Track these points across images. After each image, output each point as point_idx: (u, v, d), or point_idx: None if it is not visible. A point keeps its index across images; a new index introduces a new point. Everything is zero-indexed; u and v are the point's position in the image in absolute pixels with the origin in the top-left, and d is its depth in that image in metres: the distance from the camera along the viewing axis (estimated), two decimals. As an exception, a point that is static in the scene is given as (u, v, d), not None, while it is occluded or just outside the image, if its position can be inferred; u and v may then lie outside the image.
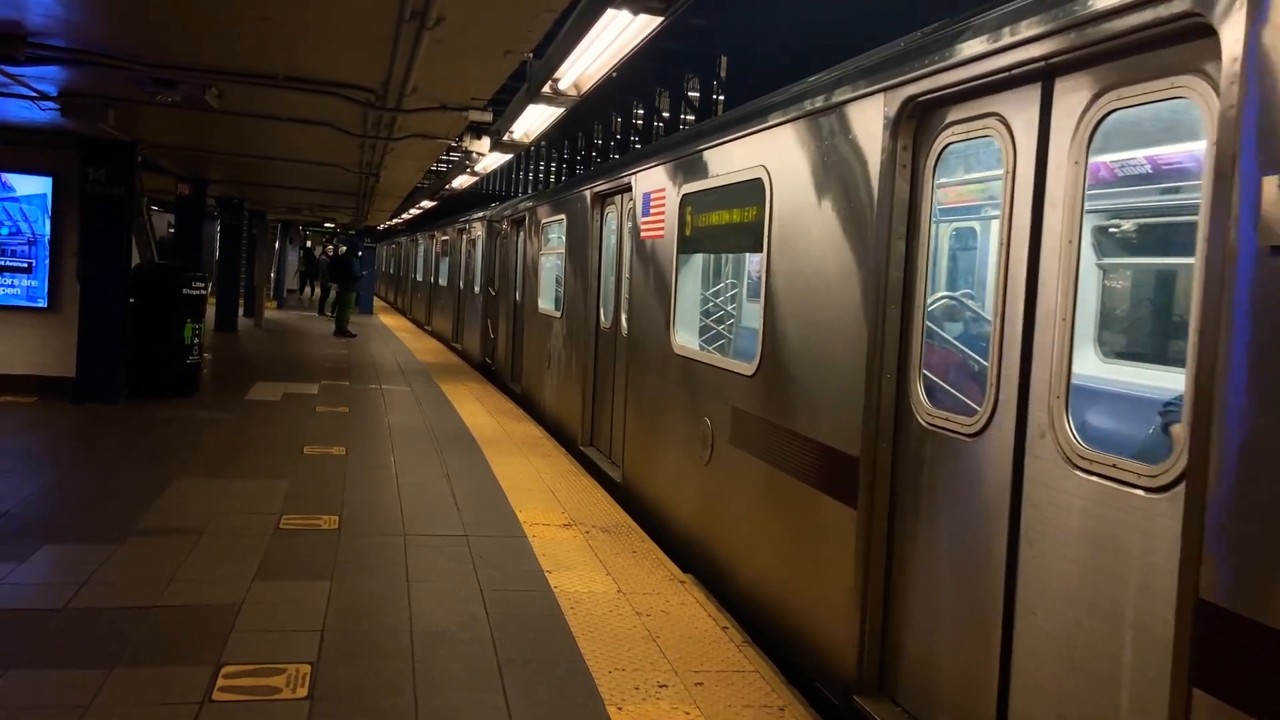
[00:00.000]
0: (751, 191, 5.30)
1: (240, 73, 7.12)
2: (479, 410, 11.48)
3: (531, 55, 6.85)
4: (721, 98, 22.18)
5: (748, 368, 5.24)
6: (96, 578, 4.98)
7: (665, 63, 22.79)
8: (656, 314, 6.93)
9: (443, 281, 22.26)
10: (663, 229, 6.83)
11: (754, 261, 9.69)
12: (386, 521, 6.39)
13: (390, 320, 28.26)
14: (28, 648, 4.14)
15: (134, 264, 11.07)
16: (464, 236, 18.84)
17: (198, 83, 7.27)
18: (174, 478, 7.18)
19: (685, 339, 6.54)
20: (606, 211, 9.03)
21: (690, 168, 6.37)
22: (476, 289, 16.79)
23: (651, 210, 7.10)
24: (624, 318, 8.17)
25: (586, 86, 7.08)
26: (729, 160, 5.71)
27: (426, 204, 25.97)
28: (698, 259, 6.84)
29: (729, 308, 8.81)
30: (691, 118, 23.79)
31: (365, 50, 6.24)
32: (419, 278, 28.39)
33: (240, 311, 21.17)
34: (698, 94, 24.03)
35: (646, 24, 5.31)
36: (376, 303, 33.92)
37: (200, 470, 7.56)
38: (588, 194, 9.32)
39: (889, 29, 4.77)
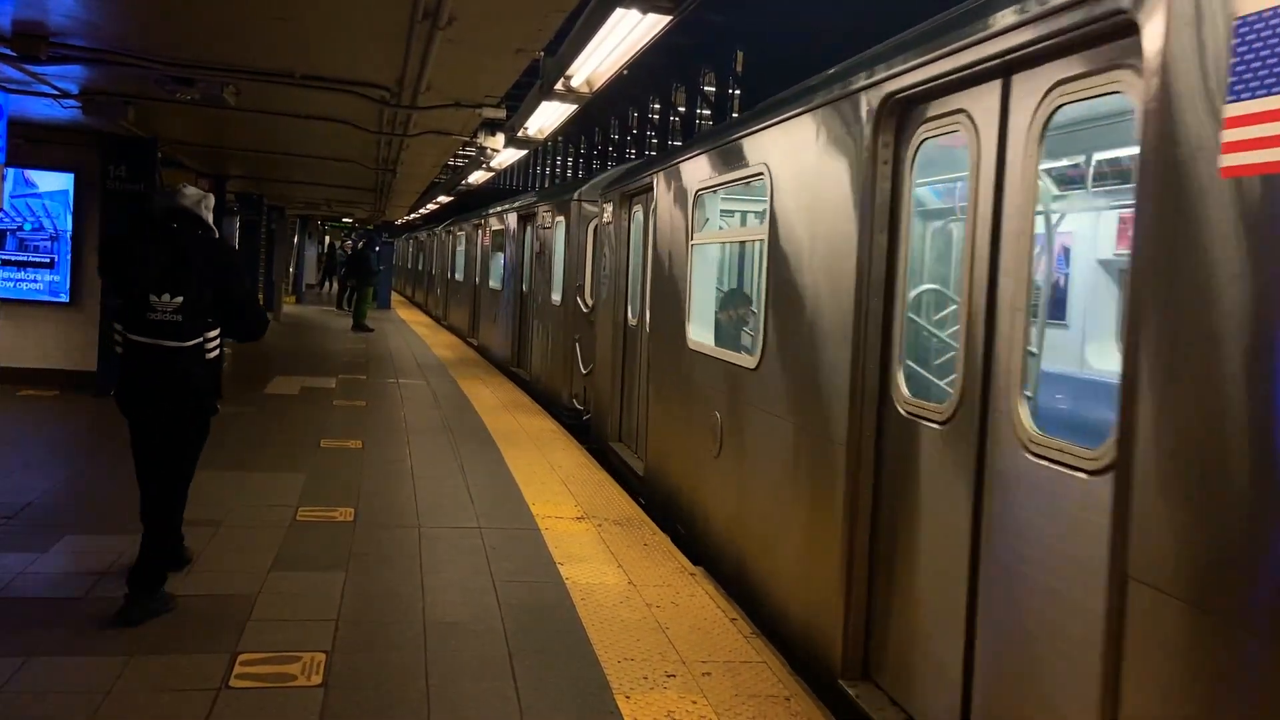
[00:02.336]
0: None
1: (257, 71, 7.22)
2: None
3: (543, 53, 6.91)
4: (738, 92, 22.23)
5: None
6: (117, 567, 5.06)
7: (682, 58, 22.83)
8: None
9: (494, 284, 16.84)
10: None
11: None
12: (402, 514, 6.48)
13: (408, 314, 28.39)
14: (50, 635, 4.24)
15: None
16: (528, 226, 13.96)
17: (216, 81, 7.37)
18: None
19: None
20: (907, 147, 3.94)
21: None
22: (556, 298, 11.91)
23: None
24: (1020, 401, 3.16)
25: (599, 83, 7.14)
26: None
27: (443, 199, 26.06)
28: None
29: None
30: (708, 112, 23.84)
31: (379, 49, 6.32)
32: (458, 277, 22.01)
33: (259, 306, 21.36)
34: (713, 89, 24.10)
35: (656, 23, 5.38)
36: (395, 298, 34.07)
37: (219, 462, 7.62)
38: (847, 108, 4.27)
39: (906, 21, 4.56)
